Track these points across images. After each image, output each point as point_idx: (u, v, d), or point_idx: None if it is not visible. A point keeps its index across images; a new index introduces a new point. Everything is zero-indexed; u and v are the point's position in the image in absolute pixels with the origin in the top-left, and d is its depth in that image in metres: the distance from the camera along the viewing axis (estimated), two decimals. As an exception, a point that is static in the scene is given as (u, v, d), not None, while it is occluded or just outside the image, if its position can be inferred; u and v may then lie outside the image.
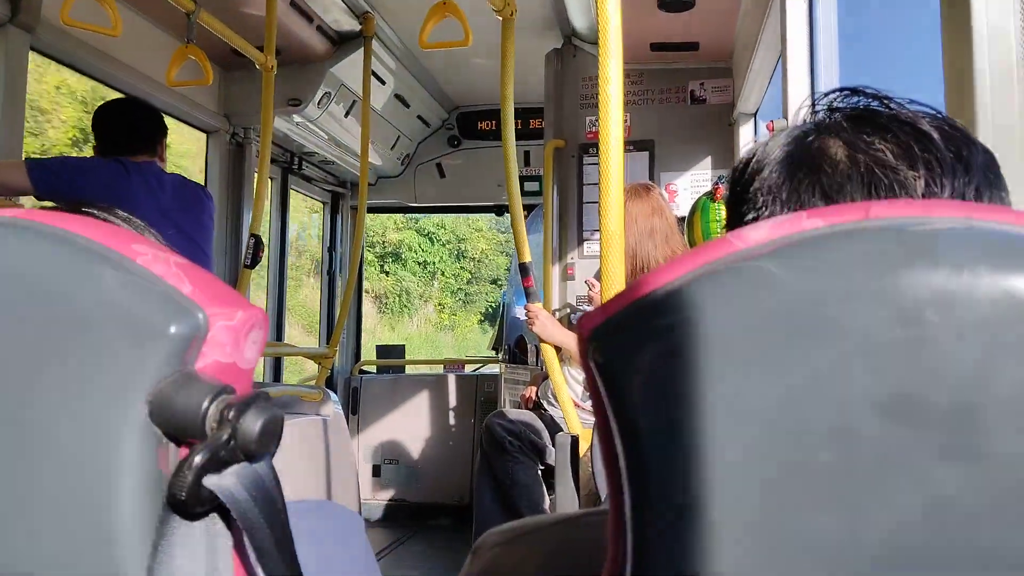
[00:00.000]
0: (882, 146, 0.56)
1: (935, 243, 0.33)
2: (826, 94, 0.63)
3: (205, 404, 0.43)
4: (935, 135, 0.56)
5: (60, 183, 2.22)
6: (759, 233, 0.37)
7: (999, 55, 0.94)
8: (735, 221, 0.62)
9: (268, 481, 0.46)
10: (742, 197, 0.61)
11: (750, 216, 0.60)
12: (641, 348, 0.38)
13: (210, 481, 0.43)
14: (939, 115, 0.59)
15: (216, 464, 0.42)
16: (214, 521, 0.46)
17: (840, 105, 0.61)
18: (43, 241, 0.46)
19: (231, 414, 0.43)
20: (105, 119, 2.45)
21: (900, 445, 0.34)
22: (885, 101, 0.60)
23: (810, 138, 0.59)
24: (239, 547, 0.46)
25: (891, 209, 0.35)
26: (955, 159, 0.55)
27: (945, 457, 0.33)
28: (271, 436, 0.44)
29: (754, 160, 0.62)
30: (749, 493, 0.36)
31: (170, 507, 0.43)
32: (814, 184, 0.57)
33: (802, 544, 0.35)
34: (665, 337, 0.38)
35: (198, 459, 0.41)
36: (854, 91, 0.62)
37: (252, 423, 0.43)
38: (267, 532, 0.45)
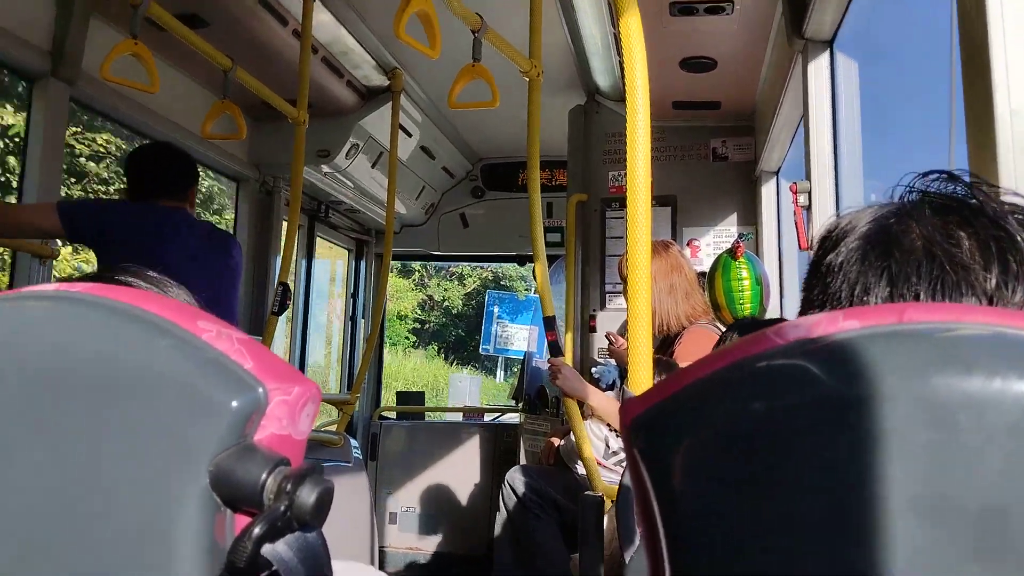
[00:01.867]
0: (961, 241, 0.56)
1: (966, 349, 0.35)
2: (923, 175, 0.62)
3: (264, 476, 0.45)
4: (1020, 238, 0.55)
5: (90, 227, 2.26)
6: (798, 331, 0.39)
7: (1021, 133, 0.96)
8: (811, 285, 0.63)
9: (318, 548, 0.48)
10: (818, 265, 0.62)
11: (817, 290, 0.61)
12: (684, 437, 0.40)
13: (266, 550, 0.45)
14: None
15: (273, 533, 0.45)
16: (265, 587, 0.48)
17: (932, 189, 0.61)
18: (114, 316, 0.49)
19: (288, 486, 0.45)
20: (138, 164, 2.48)
21: (933, 542, 0.35)
22: (978, 189, 0.59)
23: (892, 220, 0.59)
24: (289, 614, 0.47)
25: (925, 314, 0.37)
26: None
27: (975, 555, 0.35)
28: (325, 507, 0.46)
29: (838, 229, 0.62)
30: (786, 579, 0.38)
31: (228, 574, 0.45)
32: (883, 269, 0.57)
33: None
34: (708, 427, 0.40)
35: (257, 530, 0.44)
36: (951, 177, 0.61)
37: (308, 495, 0.45)
38: (316, 600, 0.46)
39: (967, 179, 0.60)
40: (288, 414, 0.49)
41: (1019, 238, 0.55)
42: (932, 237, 0.56)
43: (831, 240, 0.62)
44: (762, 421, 0.37)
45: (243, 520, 0.46)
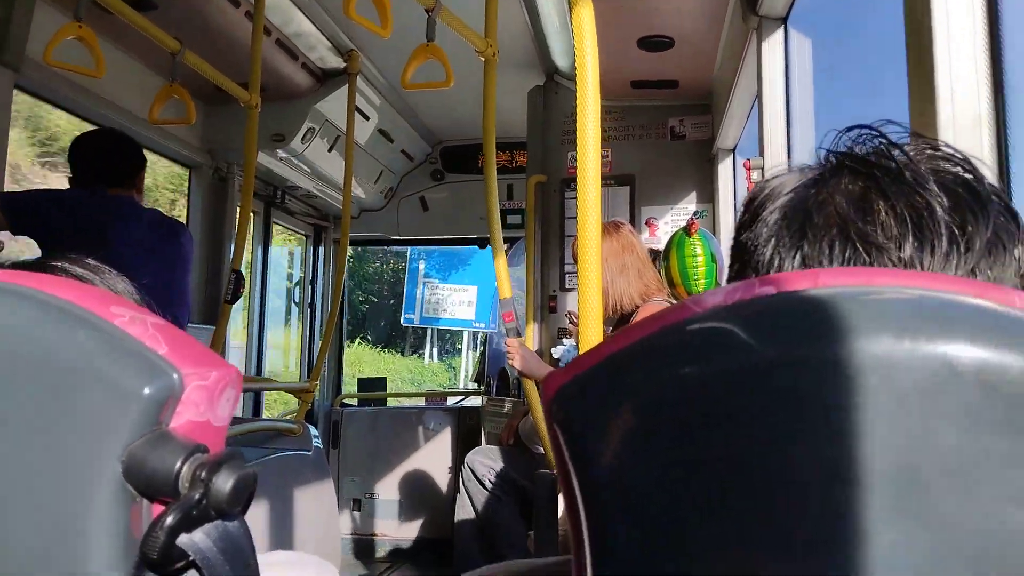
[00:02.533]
0: (877, 214, 0.53)
1: (876, 312, 0.35)
2: (847, 130, 0.58)
3: (178, 464, 0.43)
4: (938, 207, 0.52)
5: (35, 217, 2.20)
6: (715, 298, 0.39)
7: (962, 110, 0.97)
8: (732, 262, 0.61)
9: (239, 538, 0.47)
10: (738, 239, 0.60)
11: (737, 267, 0.59)
12: (603, 408, 0.39)
13: (182, 540, 0.43)
14: (964, 171, 0.54)
15: (189, 523, 0.43)
16: (186, 578, 0.46)
17: (857, 150, 0.57)
18: (22, 303, 0.47)
19: (203, 474, 0.43)
20: (82, 150, 2.41)
21: (849, 505, 0.35)
22: (904, 150, 0.55)
23: (812, 190, 0.56)
24: (210, 605, 0.46)
25: (838, 277, 0.37)
26: (958, 234, 0.51)
27: (891, 518, 0.34)
28: (243, 494, 0.45)
29: (757, 201, 0.59)
30: (709, 550, 0.37)
31: (144, 566, 0.43)
32: (796, 250, 0.54)
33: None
34: (626, 398, 0.39)
35: (170, 519, 0.42)
36: (877, 133, 0.56)
37: (224, 482, 0.44)
38: (238, 590, 0.45)
39: (895, 133, 0.56)
40: (206, 400, 0.47)
41: (937, 206, 0.51)
42: (847, 214, 0.53)
43: (749, 214, 0.59)
44: (678, 389, 0.37)
45: (160, 511, 0.45)
